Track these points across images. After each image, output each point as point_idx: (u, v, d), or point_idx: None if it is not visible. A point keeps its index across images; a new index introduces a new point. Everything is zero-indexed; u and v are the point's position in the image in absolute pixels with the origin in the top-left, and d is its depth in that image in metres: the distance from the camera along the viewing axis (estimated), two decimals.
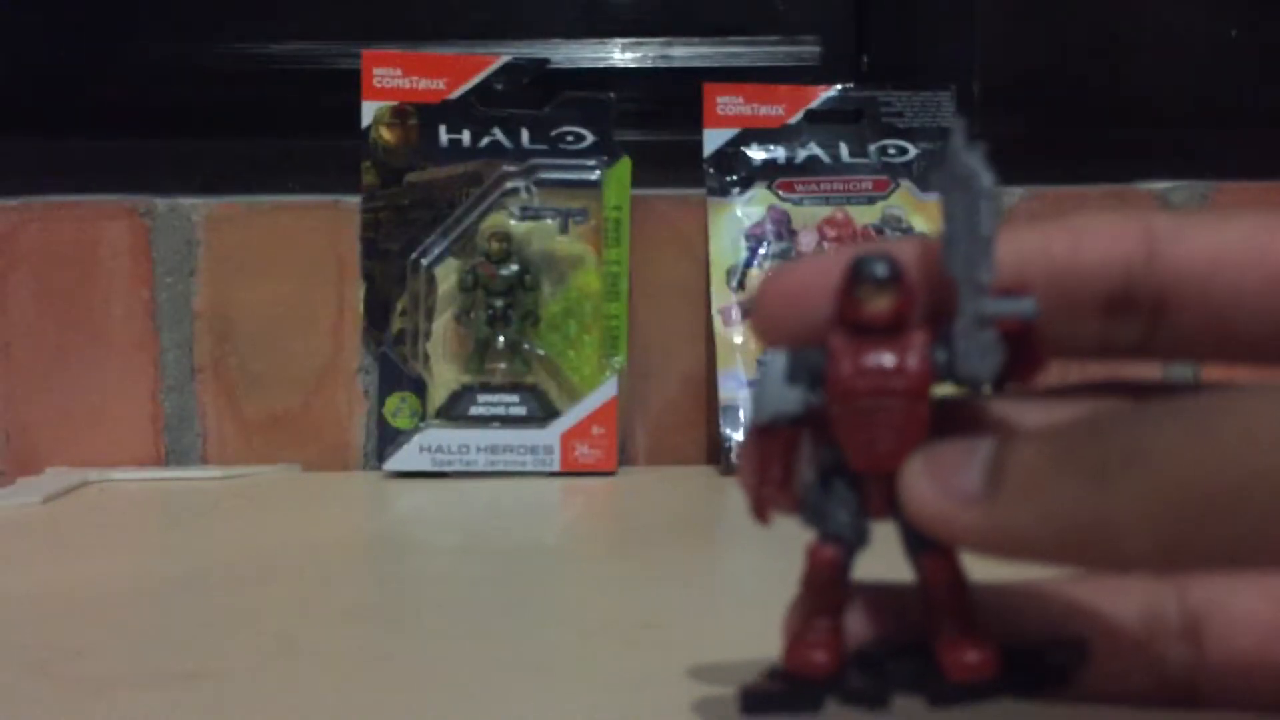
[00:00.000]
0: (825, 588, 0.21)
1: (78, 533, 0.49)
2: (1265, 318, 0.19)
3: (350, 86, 0.61)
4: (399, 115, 0.62)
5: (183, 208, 0.64)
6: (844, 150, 0.64)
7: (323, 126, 0.63)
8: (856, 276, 0.20)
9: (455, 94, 0.62)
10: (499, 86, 0.63)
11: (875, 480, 0.21)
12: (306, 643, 0.33)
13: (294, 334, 0.64)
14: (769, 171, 0.64)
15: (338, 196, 0.64)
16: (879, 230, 0.63)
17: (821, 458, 0.21)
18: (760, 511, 0.22)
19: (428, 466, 0.60)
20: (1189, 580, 0.23)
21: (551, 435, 0.60)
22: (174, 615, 0.36)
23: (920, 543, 0.21)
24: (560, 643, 0.33)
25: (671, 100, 0.67)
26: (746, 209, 0.63)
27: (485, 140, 0.62)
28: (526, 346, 0.61)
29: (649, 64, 0.68)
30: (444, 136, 0.62)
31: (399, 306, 0.62)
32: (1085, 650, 0.21)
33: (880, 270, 0.20)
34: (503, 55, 0.63)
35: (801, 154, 0.64)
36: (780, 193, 0.64)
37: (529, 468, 0.60)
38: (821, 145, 0.64)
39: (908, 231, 0.63)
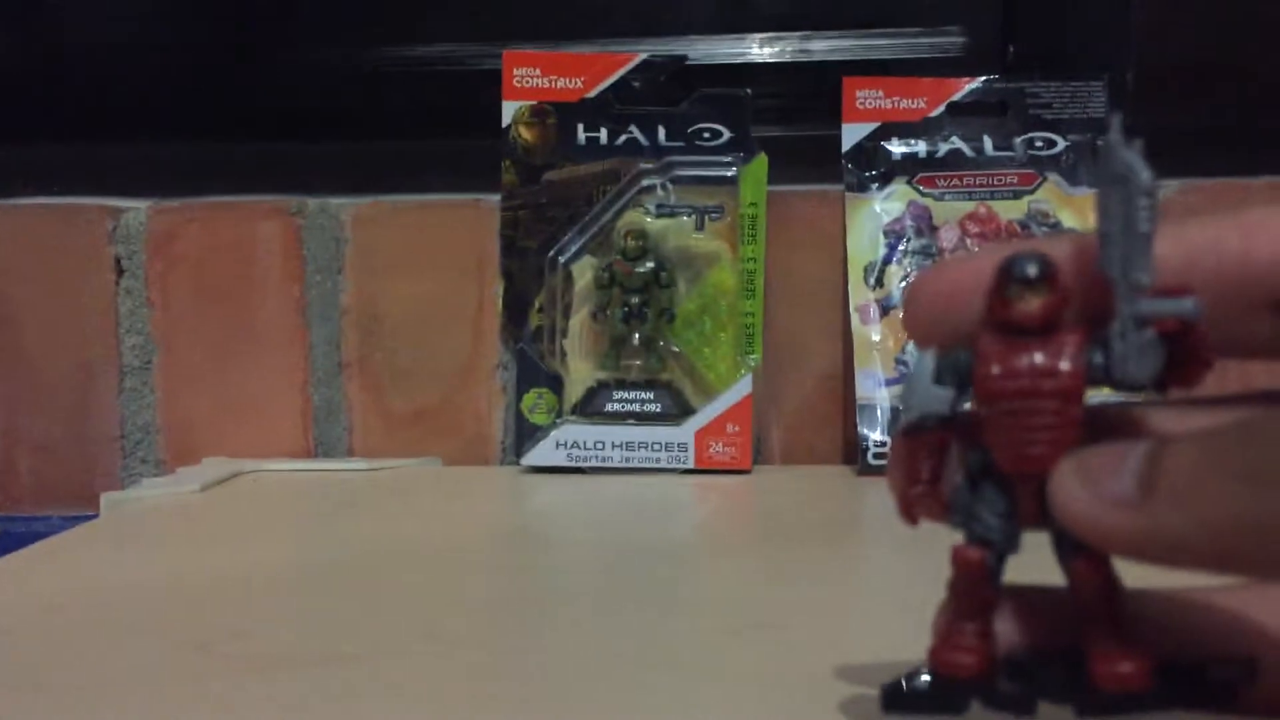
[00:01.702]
0: (972, 591, 0.21)
1: (233, 520, 0.51)
2: None
3: (491, 87, 0.62)
4: (538, 114, 0.63)
5: (332, 207, 0.67)
6: (988, 143, 0.62)
7: (465, 126, 0.65)
8: (1007, 276, 0.20)
9: (593, 92, 0.63)
10: (636, 84, 0.63)
11: (1025, 484, 0.20)
12: (448, 630, 0.33)
13: (436, 330, 0.66)
14: (909, 166, 0.63)
15: (478, 195, 0.66)
16: (1024, 226, 0.61)
17: (970, 460, 0.21)
18: (908, 513, 0.22)
19: (564, 462, 0.61)
20: None
21: (686, 432, 0.60)
22: (325, 600, 0.37)
23: (1072, 547, 0.20)
24: (696, 639, 0.33)
25: (810, 95, 0.66)
26: (885, 205, 0.62)
27: (622, 138, 0.63)
28: (662, 344, 0.62)
29: (787, 58, 0.68)
30: (581, 135, 0.63)
31: (536, 303, 0.63)
32: (1254, 669, 0.20)
33: (1031, 269, 0.20)
34: (640, 53, 0.63)
35: (943, 148, 0.63)
36: (921, 188, 0.62)
37: (664, 465, 0.60)
38: (964, 138, 0.63)
39: (1054, 227, 0.61)
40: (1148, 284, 0.19)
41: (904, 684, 0.21)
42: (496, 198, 0.63)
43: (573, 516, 0.53)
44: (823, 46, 0.68)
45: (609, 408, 0.61)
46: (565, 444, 0.61)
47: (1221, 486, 0.17)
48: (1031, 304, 0.20)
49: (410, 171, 0.67)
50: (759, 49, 0.68)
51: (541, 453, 0.61)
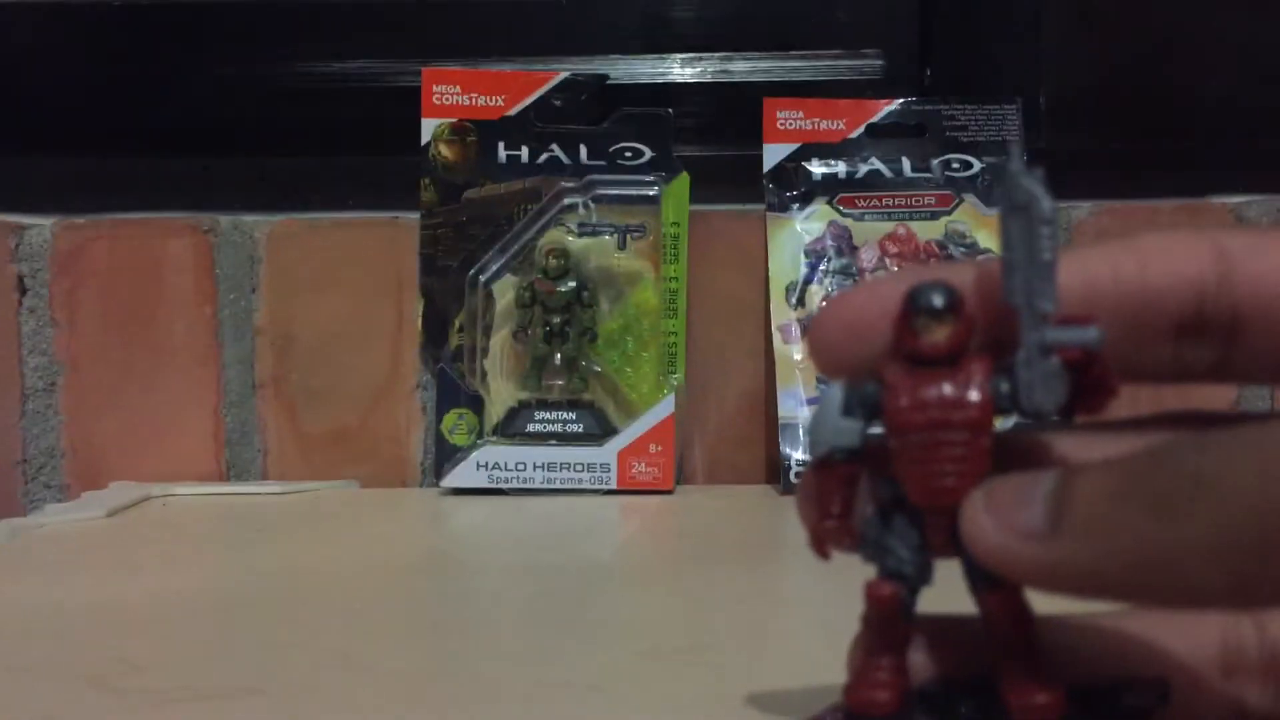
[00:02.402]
0: (886, 625, 0.21)
1: (139, 547, 0.49)
2: None
3: (410, 103, 0.61)
4: (458, 132, 0.62)
5: (245, 225, 0.65)
6: (906, 165, 0.63)
7: (383, 144, 0.64)
8: (913, 307, 0.20)
9: (514, 110, 0.62)
10: (558, 103, 0.63)
11: (936, 515, 0.20)
12: (362, 659, 0.32)
13: (353, 350, 0.65)
14: (830, 186, 0.63)
15: (397, 213, 0.65)
16: (942, 246, 0.62)
17: (881, 492, 0.21)
18: (819, 547, 0.21)
19: (485, 483, 0.60)
20: (1269, 615, 0.22)
21: (609, 453, 0.60)
22: (232, 630, 0.36)
23: (984, 579, 0.20)
24: (616, 664, 0.32)
25: (731, 115, 0.66)
26: (806, 224, 0.63)
27: (543, 156, 0.62)
28: (584, 363, 0.61)
29: (708, 79, 0.68)
30: (502, 153, 0.62)
31: (457, 323, 0.62)
32: (1166, 691, 0.20)
33: (937, 300, 0.20)
34: (561, 71, 0.63)
35: (863, 169, 0.63)
36: (841, 208, 0.63)
37: (586, 485, 0.60)
38: (883, 160, 0.63)
39: (971, 247, 0.62)
40: (1051, 312, 0.19)
41: None
42: (415, 215, 0.62)
43: (494, 539, 0.52)
44: (744, 67, 0.68)
45: (530, 428, 0.61)
46: (486, 465, 0.60)
47: (1129, 518, 0.17)
48: (938, 335, 0.19)
49: (327, 189, 0.66)
50: (680, 69, 0.68)
51: (462, 474, 0.60)
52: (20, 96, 0.67)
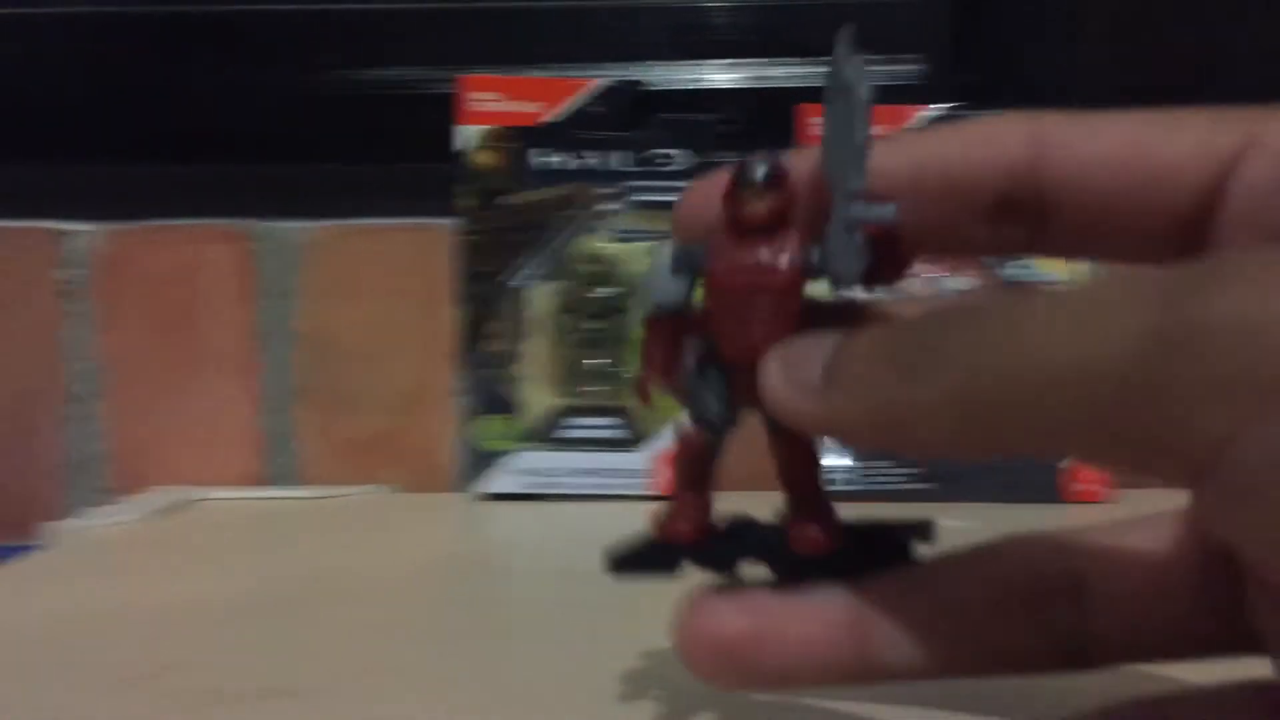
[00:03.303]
0: (693, 465, 0.23)
1: (178, 550, 0.50)
2: (1140, 218, 0.20)
3: (446, 111, 0.62)
4: (494, 139, 0.62)
5: (284, 231, 0.66)
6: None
7: (420, 150, 0.64)
8: (739, 178, 0.21)
9: (551, 117, 0.62)
10: (594, 109, 0.63)
11: (743, 371, 0.21)
12: (400, 663, 0.32)
13: (389, 356, 0.65)
14: None
15: (433, 220, 0.65)
16: None
17: (696, 346, 0.23)
18: (641, 392, 0.24)
19: (519, 489, 0.60)
20: (1071, 539, 0.23)
21: (643, 458, 0.60)
22: (268, 632, 0.36)
23: (776, 428, 0.22)
24: (658, 671, 0.32)
25: (767, 121, 0.66)
26: None
27: (579, 163, 0.62)
28: (619, 369, 0.61)
29: (745, 84, 0.68)
30: (538, 160, 0.62)
31: (492, 329, 0.62)
32: (929, 528, 0.23)
33: (759, 172, 0.21)
34: (598, 78, 0.63)
35: None
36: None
37: (620, 491, 0.60)
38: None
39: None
40: (859, 189, 0.20)
41: (625, 547, 0.24)
42: (452, 222, 0.63)
43: (529, 544, 0.52)
44: (780, 73, 0.68)
45: (565, 434, 0.61)
46: (521, 471, 0.60)
47: (878, 375, 0.18)
48: (759, 205, 0.21)
49: (364, 195, 0.67)
50: (717, 74, 0.68)
51: (497, 480, 0.60)
52: (63, 105, 0.68)
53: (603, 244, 0.62)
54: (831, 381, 0.19)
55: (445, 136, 0.61)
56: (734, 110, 0.67)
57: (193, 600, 0.40)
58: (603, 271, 0.61)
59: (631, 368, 0.61)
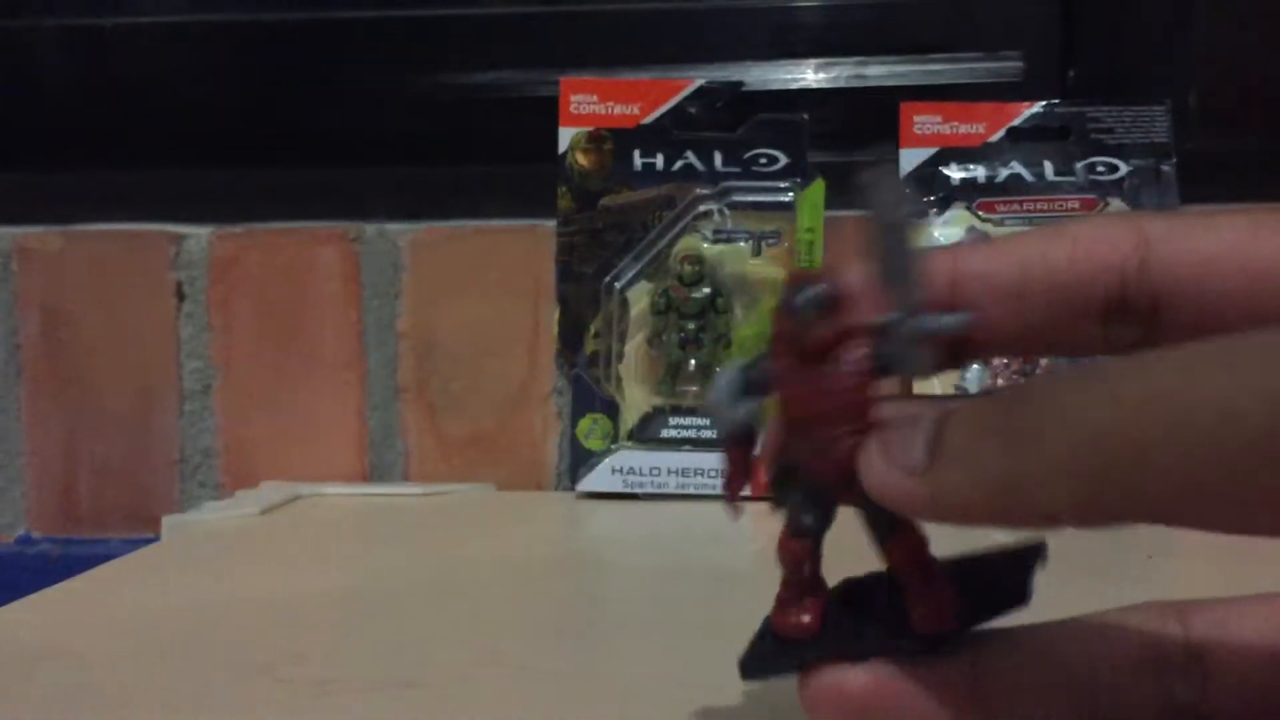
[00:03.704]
0: (799, 571, 0.23)
1: (293, 543, 0.51)
2: (1253, 317, 0.20)
3: (548, 113, 0.63)
4: (594, 140, 0.63)
5: (389, 233, 0.67)
6: (1049, 169, 0.62)
7: (522, 152, 0.65)
8: (792, 305, 0.21)
9: (650, 118, 0.63)
10: (693, 110, 0.63)
11: (829, 483, 0.22)
12: (513, 656, 0.33)
13: (492, 355, 0.66)
14: (968, 191, 0.62)
15: (535, 221, 0.66)
16: None
17: (779, 465, 0.23)
18: (731, 502, 0.24)
19: (619, 488, 0.60)
20: (1191, 611, 0.23)
21: None
22: (386, 624, 0.37)
23: (884, 528, 0.22)
24: None
25: (867, 120, 0.66)
26: (944, 230, 0.62)
27: (678, 164, 0.63)
28: (718, 369, 0.61)
29: (843, 84, 0.67)
30: (638, 160, 0.63)
31: (592, 329, 0.63)
32: (1041, 551, 0.22)
33: (812, 295, 0.21)
34: (696, 79, 0.63)
35: (1003, 173, 0.62)
36: (980, 213, 0.62)
37: (719, 491, 0.60)
38: (1025, 164, 0.62)
39: None
40: (918, 300, 0.20)
41: (754, 651, 0.24)
42: (552, 223, 0.63)
43: (631, 542, 0.53)
44: (879, 71, 0.68)
45: (665, 433, 0.61)
46: (621, 470, 0.61)
47: (987, 446, 0.18)
48: (819, 330, 0.21)
49: (466, 197, 0.68)
50: (814, 74, 0.68)
51: (597, 478, 0.61)
52: (178, 112, 0.70)
53: (702, 244, 0.62)
54: (937, 459, 0.19)
55: (549, 138, 0.62)
56: (833, 109, 0.67)
57: (306, 593, 0.41)
58: (701, 272, 0.61)
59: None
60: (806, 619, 0.23)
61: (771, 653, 0.24)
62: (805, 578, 0.23)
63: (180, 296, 0.68)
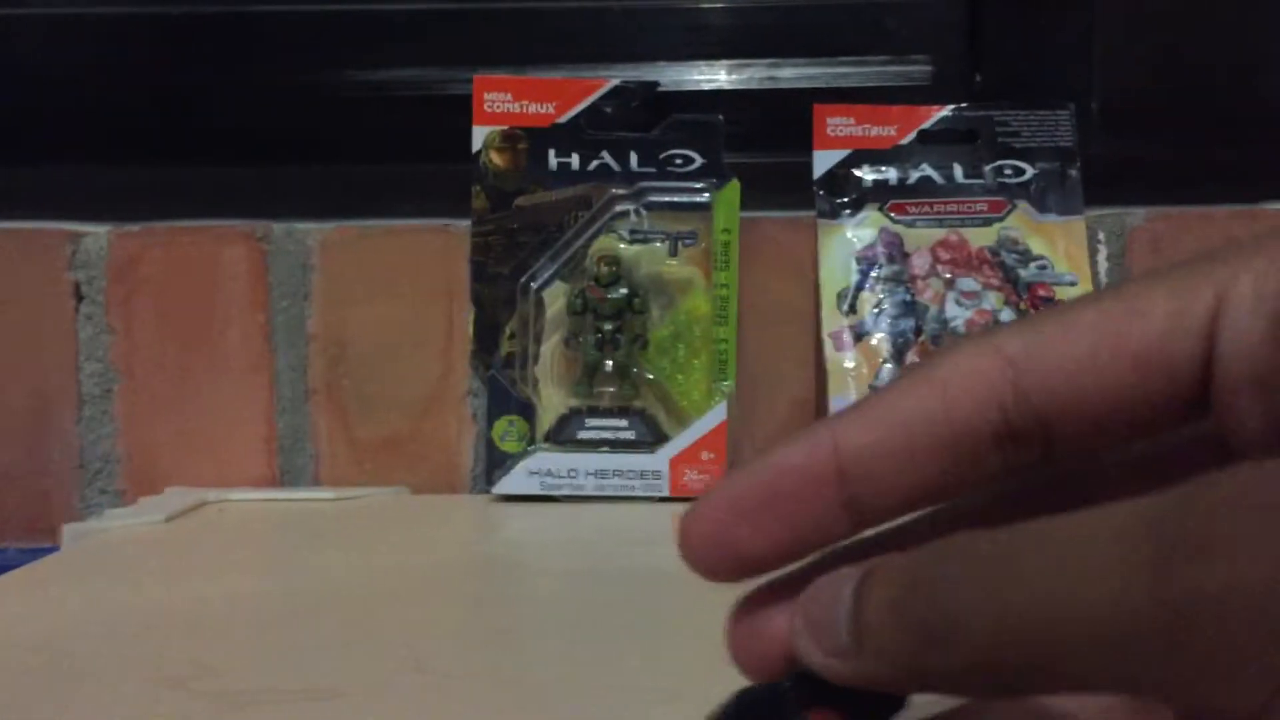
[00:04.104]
0: None
1: (200, 551, 0.50)
2: (1140, 406, 0.20)
3: (461, 111, 0.62)
4: (509, 139, 0.62)
5: (298, 232, 0.66)
6: (958, 171, 0.63)
7: (435, 151, 0.64)
8: None
9: (564, 118, 0.62)
10: (608, 110, 0.63)
11: None
12: (434, 663, 0.32)
13: (405, 357, 0.65)
14: (880, 193, 0.63)
15: (448, 221, 0.65)
16: (994, 252, 0.62)
17: None
18: None
19: (536, 490, 0.60)
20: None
21: (660, 460, 0.60)
22: (299, 634, 0.36)
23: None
24: (694, 671, 0.32)
25: (781, 122, 0.66)
26: (858, 231, 0.63)
27: (594, 163, 0.62)
28: (635, 370, 0.61)
29: (756, 85, 0.68)
30: (553, 160, 0.62)
31: (508, 330, 0.62)
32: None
33: None
34: (611, 79, 0.63)
35: (914, 175, 0.63)
36: (892, 215, 0.63)
37: (637, 493, 0.60)
38: (935, 166, 0.63)
39: (1024, 253, 0.62)
40: None
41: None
42: (466, 223, 0.63)
43: (549, 546, 0.53)
44: (792, 74, 0.68)
45: (582, 435, 0.61)
46: (538, 472, 0.60)
47: (901, 643, 0.18)
48: None
49: (378, 196, 0.67)
50: (729, 75, 0.68)
51: (513, 481, 0.60)
52: (75, 107, 0.68)
53: (618, 245, 0.62)
54: (860, 648, 0.19)
55: (462, 137, 0.61)
56: (747, 111, 0.67)
57: (216, 603, 0.40)
58: (618, 272, 0.61)
59: (655, 371, 0.61)
60: None
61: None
62: None
63: (78, 297, 0.66)
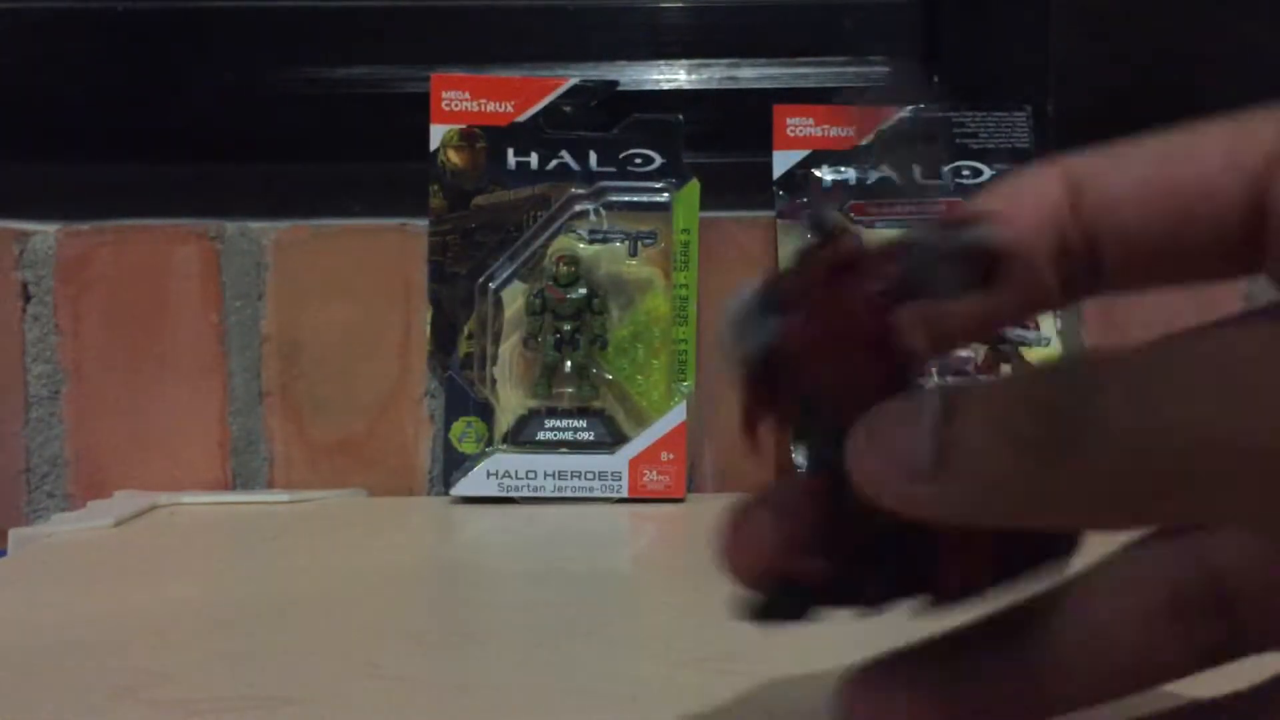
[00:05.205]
0: (820, 511, 0.21)
1: (151, 556, 0.49)
2: (1189, 242, 0.20)
3: (418, 110, 0.61)
4: (467, 138, 0.62)
5: (252, 231, 0.65)
6: (916, 172, 0.63)
7: (392, 150, 0.63)
8: (819, 216, 0.21)
9: (523, 116, 0.62)
10: (567, 109, 0.62)
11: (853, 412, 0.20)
12: (391, 668, 0.32)
13: (361, 358, 0.64)
14: (840, 194, 0.63)
15: (405, 220, 0.64)
16: None
17: (800, 403, 0.21)
18: (749, 439, 0.21)
19: (495, 492, 0.59)
20: (1211, 548, 0.21)
21: (620, 461, 0.60)
22: (254, 639, 0.36)
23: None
24: (649, 673, 0.32)
25: (740, 122, 0.66)
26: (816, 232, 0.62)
27: (553, 163, 0.62)
28: (594, 371, 0.61)
29: (715, 85, 0.68)
30: (512, 159, 0.62)
31: (466, 330, 0.61)
32: (1075, 539, 0.21)
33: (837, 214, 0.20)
34: (571, 77, 0.63)
35: (873, 176, 0.63)
36: (853, 215, 0.63)
37: (597, 494, 0.59)
38: (893, 167, 0.63)
39: None
40: (947, 220, 0.19)
41: (759, 598, 0.22)
42: (424, 222, 0.62)
43: (507, 548, 0.52)
44: (751, 74, 0.68)
45: (540, 436, 0.60)
46: (496, 473, 0.60)
47: (1007, 459, 0.17)
48: (843, 244, 0.20)
49: (334, 195, 0.66)
50: (688, 75, 0.68)
51: (471, 482, 0.60)
52: (23, 102, 0.67)
53: (578, 244, 0.61)
54: (945, 469, 0.17)
55: (420, 135, 0.61)
56: (706, 110, 0.67)
57: (167, 608, 0.39)
58: (577, 272, 0.61)
59: (614, 372, 0.61)
60: (817, 564, 0.21)
61: (777, 598, 0.22)
62: (822, 519, 0.21)
63: (26, 297, 0.64)
